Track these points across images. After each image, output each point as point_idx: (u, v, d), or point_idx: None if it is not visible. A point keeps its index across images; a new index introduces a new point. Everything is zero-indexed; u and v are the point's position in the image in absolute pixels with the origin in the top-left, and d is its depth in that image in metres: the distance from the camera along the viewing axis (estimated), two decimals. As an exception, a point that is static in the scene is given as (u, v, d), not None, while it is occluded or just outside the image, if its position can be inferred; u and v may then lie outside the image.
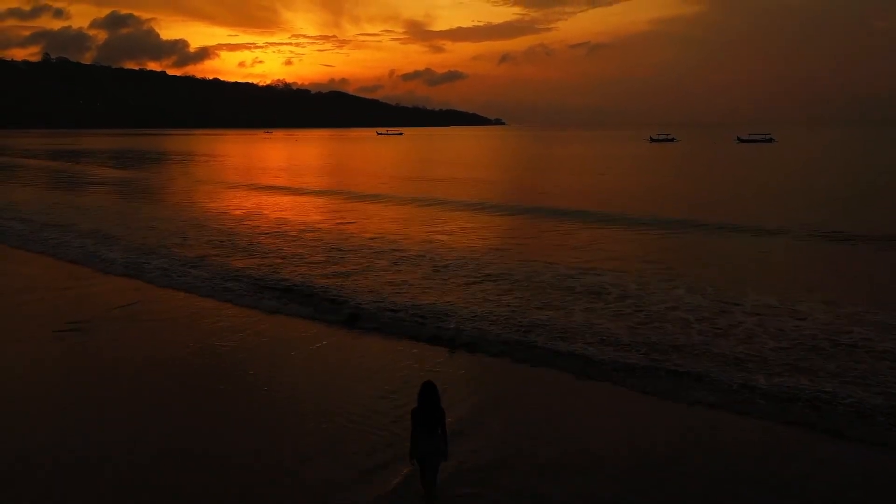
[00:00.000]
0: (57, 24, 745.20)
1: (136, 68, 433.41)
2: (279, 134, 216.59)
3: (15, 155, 74.30)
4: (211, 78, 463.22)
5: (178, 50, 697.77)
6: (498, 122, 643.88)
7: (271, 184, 34.45)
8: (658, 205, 24.79)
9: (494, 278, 13.75)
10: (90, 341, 10.08)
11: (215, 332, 10.45)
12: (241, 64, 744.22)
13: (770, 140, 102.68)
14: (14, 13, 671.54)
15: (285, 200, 27.68)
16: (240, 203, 27.44)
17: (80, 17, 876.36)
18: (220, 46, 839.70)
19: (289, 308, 11.66)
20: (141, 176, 43.85)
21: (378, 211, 24.43)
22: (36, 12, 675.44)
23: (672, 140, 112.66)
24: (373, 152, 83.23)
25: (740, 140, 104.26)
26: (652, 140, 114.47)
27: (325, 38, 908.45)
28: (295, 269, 14.70)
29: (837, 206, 25.66)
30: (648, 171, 43.53)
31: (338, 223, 21.71)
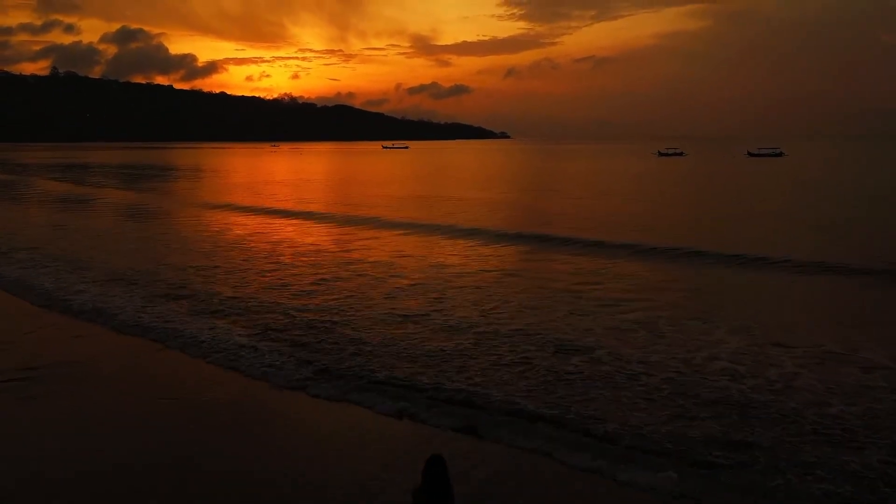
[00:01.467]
0: (67, 39, 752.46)
1: (144, 83, 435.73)
2: (285, 147, 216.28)
3: (5, 171, 73.53)
4: (217, 91, 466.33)
5: (186, 64, 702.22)
6: (503, 135, 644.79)
7: (271, 206, 31.36)
8: (676, 232, 22.27)
9: (513, 342, 12.13)
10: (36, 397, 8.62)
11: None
12: (249, 78, 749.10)
13: (780, 154, 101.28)
14: (25, 28, 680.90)
15: (285, 227, 24.90)
16: (236, 227, 25.51)
17: (91, 32, 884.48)
18: (228, 60, 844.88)
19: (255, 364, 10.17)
20: (127, 194, 42.42)
21: (380, 242, 21.88)
22: (47, 27, 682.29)
23: (680, 154, 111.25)
24: (378, 167, 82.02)
25: (750, 154, 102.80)
26: (660, 154, 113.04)
27: (332, 52, 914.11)
28: (273, 303, 13.24)
29: (869, 232, 23.86)
30: (660, 190, 41.49)
31: (338, 252, 20.25)
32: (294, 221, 25.61)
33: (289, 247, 19.79)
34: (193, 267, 16.93)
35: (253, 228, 23.86)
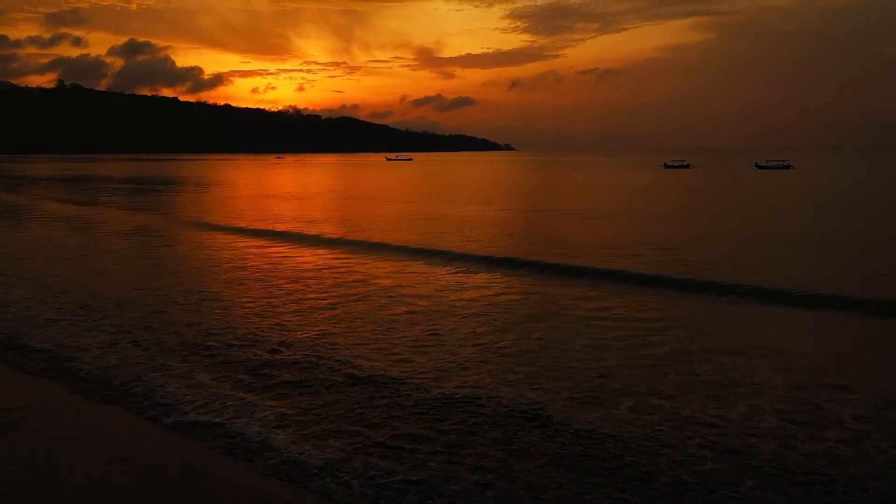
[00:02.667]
0: (75, 52, 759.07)
1: (149, 95, 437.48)
2: (289, 159, 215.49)
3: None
4: (222, 104, 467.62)
5: (192, 76, 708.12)
6: (507, 147, 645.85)
7: (266, 227, 28.18)
8: (695, 255, 20.17)
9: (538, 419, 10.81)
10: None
11: None
12: (255, 90, 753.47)
13: (788, 167, 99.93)
14: (34, 41, 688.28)
15: (280, 250, 22.72)
16: (228, 248, 23.60)
17: (98, 45, 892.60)
18: (233, 73, 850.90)
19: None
20: (115, 209, 41.17)
21: (378, 269, 20.23)
22: (55, 40, 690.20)
23: (687, 166, 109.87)
24: (381, 181, 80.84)
25: (758, 167, 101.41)
26: (666, 166, 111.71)
27: (336, 64, 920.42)
28: (253, 338, 11.83)
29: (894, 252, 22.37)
30: (670, 206, 39.98)
31: (331, 281, 18.86)
32: (289, 245, 23.16)
33: (281, 273, 17.90)
34: (177, 290, 15.56)
35: (244, 250, 21.93)
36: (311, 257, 20.54)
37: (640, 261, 18.74)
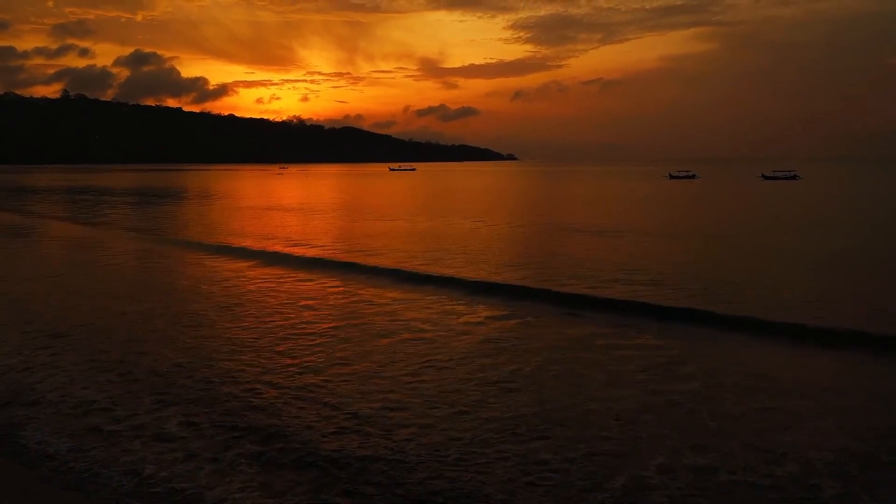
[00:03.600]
0: (82, 63, 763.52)
1: (153, 105, 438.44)
2: (293, 170, 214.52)
3: None
4: (226, 114, 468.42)
5: (197, 87, 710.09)
6: (510, 157, 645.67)
7: (260, 246, 25.72)
8: (714, 283, 17.80)
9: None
10: None
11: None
12: (259, 100, 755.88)
13: (794, 177, 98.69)
14: (41, 52, 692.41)
15: (272, 274, 20.70)
16: (214, 271, 21.83)
17: (105, 56, 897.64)
18: (238, 83, 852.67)
19: None
20: (97, 231, 40.02)
21: (381, 300, 19.27)
22: (62, 51, 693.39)
23: (692, 177, 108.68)
24: (384, 192, 79.84)
25: (765, 177, 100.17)
26: (671, 177, 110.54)
27: (340, 74, 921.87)
28: (231, 379, 10.69)
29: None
30: (680, 221, 38.40)
31: (321, 315, 17.70)
32: (282, 268, 21.10)
33: (269, 300, 16.32)
34: (160, 315, 14.45)
35: (236, 273, 20.33)
36: (305, 283, 19.34)
37: (655, 288, 16.93)
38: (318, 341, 12.47)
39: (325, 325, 13.67)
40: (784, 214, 41.25)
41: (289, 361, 11.23)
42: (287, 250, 24.55)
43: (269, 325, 13.64)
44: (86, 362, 11.25)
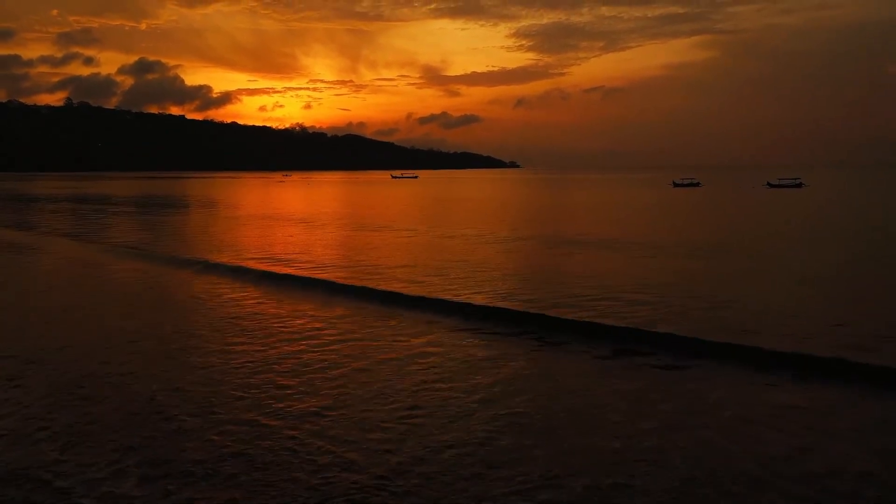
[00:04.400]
0: (86, 71, 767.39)
1: (156, 112, 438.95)
2: (295, 177, 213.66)
3: None
4: (229, 122, 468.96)
5: (201, 95, 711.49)
6: (513, 164, 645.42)
7: (247, 264, 23.37)
8: (734, 307, 15.98)
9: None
10: None
11: None
12: (262, 108, 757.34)
13: (799, 185, 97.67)
14: (46, 60, 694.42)
15: (257, 296, 19.09)
16: (203, 293, 20.68)
17: (109, 64, 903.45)
18: (241, 91, 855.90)
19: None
20: (82, 242, 39.05)
21: (375, 332, 18.67)
22: (67, 59, 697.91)
23: (697, 185, 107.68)
24: (385, 201, 79.00)
25: (770, 185, 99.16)
26: (675, 185, 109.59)
27: (343, 82, 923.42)
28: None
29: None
30: (688, 231, 37.19)
31: (304, 349, 16.73)
32: (269, 289, 19.46)
33: (257, 328, 14.84)
34: (138, 342, 13.52)
35: (224, 294, 18.83)
36: (289, 306, 18.41)
37: (666, 312, 15.52)
38: (313, 377, 11.53)
39: (319, 356, 12.73)
40: (792, 225, 40.24)
41: (273, 401, 10.30)
42: (282, 269, 23.03)
43: (257, 355, 12.70)
44: (51, 395, 10.33)
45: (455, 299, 16.97)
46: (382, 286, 18.99)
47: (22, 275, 23.23)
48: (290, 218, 47.39)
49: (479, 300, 16.89)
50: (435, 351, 12.79)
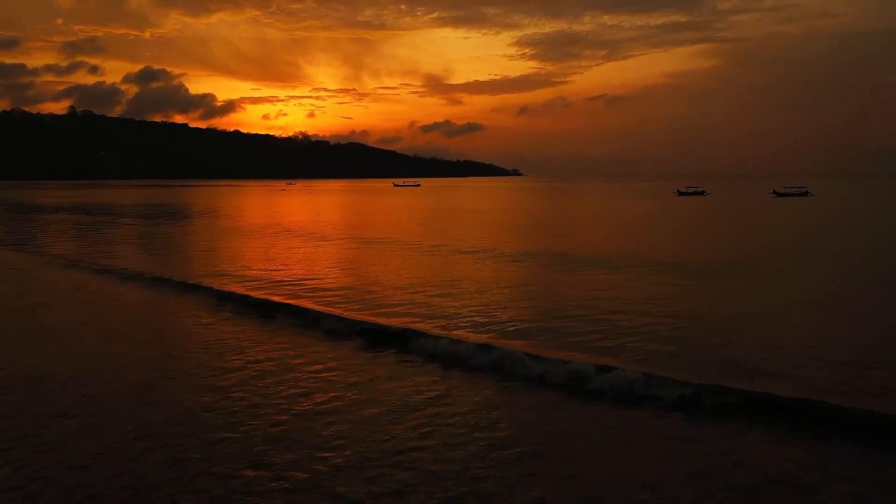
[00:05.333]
0: (91, 80, 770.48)
1: (159, 121, 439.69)
2: (299, 185, 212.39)
3: None
4: (232, 130, 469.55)
5: (205, 103, 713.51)
6: (515, 172, 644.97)
7: (225, 287, 20.75)
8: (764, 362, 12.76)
9: None
10: None
11: None
12: (266, 116, 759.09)
13: (806, 194, 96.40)
14: (52, 69, 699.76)
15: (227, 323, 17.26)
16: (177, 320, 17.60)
17: (114, 73, 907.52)
18: (244, 100, 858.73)
19: None
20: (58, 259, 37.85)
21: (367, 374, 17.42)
22: (72, 68, 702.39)
23: (702, 193, 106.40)
24: (388, 210, 78.00)
25: (776, 194, 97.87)
26: (679, 193, 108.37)
27: (346, 91, 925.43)
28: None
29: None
30: (700, 245, 34.73)
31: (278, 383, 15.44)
32: (253, 320, 16.76)
33: (239, 367, 12.79)
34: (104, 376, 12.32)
35: (208, 324, 16.45)
36: (269, 338, 17.16)
37: (676, 352, 13.12)
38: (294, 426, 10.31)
39: (307, 404, 11.52)
40: (805, 237, 39.00)
41: (250, 457, 9.10)
42: (269, 296, 20.19)
43: (237, 401, 11.51)
44: (-8, 439, 9.12)
45: (451, 335, 14.27)
46: (367, 315, 16.62)
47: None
48: (285, 231, 44.29)
49: (477, 336, 14.27)
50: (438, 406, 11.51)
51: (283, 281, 22.20)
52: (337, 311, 16.77)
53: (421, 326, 15.15)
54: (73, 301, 19.89)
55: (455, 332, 14.70)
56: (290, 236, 39.56)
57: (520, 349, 12.81)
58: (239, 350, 13.75)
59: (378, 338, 14.39)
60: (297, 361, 12.81)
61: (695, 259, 27.50)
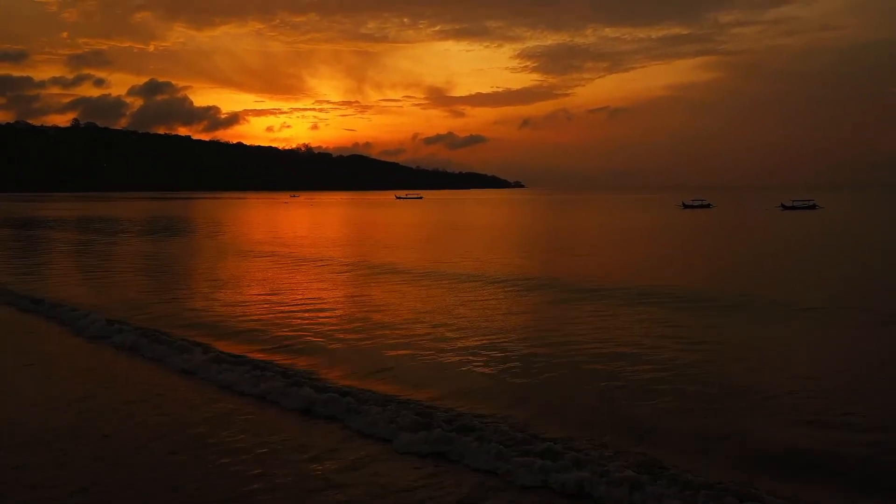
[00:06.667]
0: (97, 92, 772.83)
1: (163, 133, 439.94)
2: (302, 198, 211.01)
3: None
4: (235, 142, 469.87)
5: (209, 116, 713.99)
6: (517, 184, 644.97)
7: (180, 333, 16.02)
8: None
9: None
10: None
11: None
12: (270, 129, 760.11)
13: (814, 207, 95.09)
14: (58, 82, 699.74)
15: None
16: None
17: (120, 86, 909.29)
18: (248, 112, 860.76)
19: None
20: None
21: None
22: (78, 81, 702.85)
23: (707, 206, 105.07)
24: (389, 226, 76.83)
25: (784, 207, 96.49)
26: (684, 206, 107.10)
27: (349, 103, 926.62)
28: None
29: None
30: (712, 272, 31.71)
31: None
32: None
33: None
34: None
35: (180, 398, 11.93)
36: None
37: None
38: None
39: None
40: (823, 253, 37.60)
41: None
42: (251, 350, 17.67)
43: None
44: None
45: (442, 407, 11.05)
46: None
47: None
48: (265, 253, 37.58)
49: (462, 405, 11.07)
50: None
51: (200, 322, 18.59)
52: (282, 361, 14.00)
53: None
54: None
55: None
56: (264, 257, 35.71)
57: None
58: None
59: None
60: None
61: (713, 289, 23.57)
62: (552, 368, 13.41)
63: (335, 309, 20.44)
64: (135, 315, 19.03)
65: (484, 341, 15.74)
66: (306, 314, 19.33)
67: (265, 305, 20.88)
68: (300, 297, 22.64)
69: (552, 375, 12.96)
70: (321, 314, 19.38)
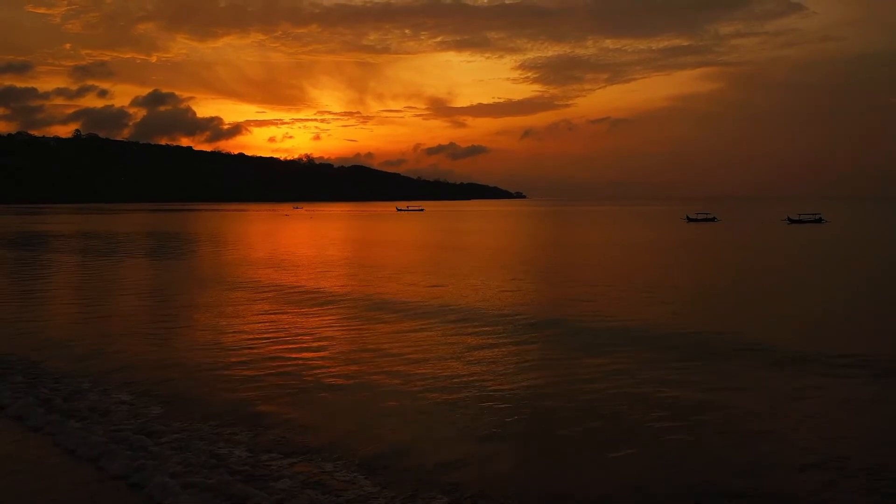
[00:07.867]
0: (100, 103, 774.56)
1: (164, 143, 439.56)
2: (303, 209, 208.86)
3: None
4: (236, 153, 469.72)
5: (212, 126, 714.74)
6: (518, 195, 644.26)
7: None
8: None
9: None
10: None
11: None
12: (272, 139, 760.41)
13: (819, 220, 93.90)
14: (62, 93, 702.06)
15: None
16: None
17: (123, 97, 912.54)
18: (250, 122, 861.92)
19: None
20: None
21: None
22: (81, 92, 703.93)
23: (713, 220, 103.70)
24: (385, 244, 75.62)
25: (790, 220, 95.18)
26: (689, 220, 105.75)
27: (350, 114, 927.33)
28: None
29: None
30: (731, 295, 30.05)
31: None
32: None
33: None
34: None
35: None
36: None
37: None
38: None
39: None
40: (839, 274, 36.15)
41: None
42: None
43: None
44: None
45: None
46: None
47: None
48: (251, 283, 32.14)
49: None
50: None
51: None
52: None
53: None
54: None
55: None
56: (237, 290, 31.12)
57: None
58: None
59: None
60: None
61: (730, 329, 21.24)
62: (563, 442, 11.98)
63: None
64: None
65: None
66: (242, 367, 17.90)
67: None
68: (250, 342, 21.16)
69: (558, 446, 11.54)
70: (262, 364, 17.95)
